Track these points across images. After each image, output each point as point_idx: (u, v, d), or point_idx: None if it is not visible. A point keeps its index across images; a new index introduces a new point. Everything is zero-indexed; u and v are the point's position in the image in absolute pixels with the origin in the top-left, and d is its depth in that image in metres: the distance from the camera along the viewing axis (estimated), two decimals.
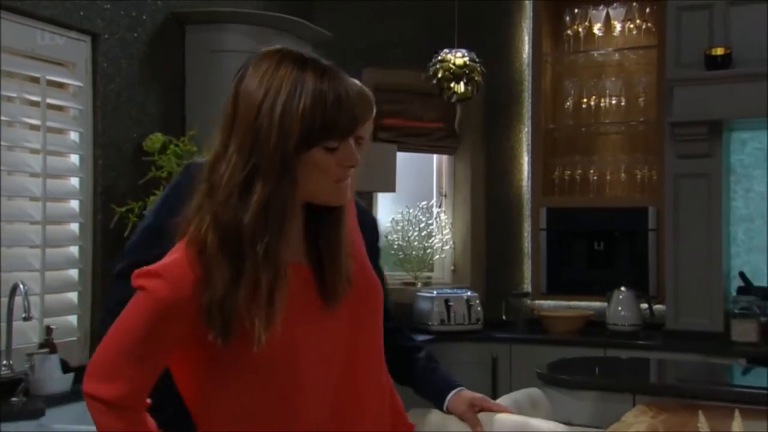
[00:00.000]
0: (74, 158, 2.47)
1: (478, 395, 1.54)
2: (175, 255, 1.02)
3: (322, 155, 1.03)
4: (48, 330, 2.22)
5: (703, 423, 1.41)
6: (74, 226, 2.47)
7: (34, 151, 2.31)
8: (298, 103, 1.00)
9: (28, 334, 2.27)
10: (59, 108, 2.43)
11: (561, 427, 2.00)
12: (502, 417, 1.56)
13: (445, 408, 1.53)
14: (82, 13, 2.43)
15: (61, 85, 2.42)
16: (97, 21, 2.49)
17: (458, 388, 1.54)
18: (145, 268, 1.02)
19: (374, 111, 1.08)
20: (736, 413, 1.39)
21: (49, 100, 2.34)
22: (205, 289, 0.98)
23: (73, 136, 2.46)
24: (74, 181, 2.47)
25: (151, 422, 1.04)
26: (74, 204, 2.47)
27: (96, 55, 2.48)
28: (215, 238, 0.99)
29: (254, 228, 0.99)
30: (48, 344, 2.19)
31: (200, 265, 0.99)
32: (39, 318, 2.28)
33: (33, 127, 2.31)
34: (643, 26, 3.85)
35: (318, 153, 1.03)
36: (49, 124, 2.34)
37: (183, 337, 1.01)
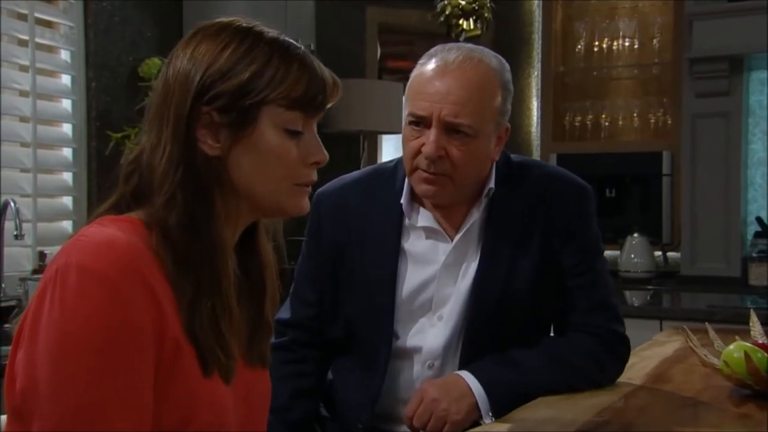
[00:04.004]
0: (65, 79, 2.32)
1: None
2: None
3: (279, 136, 0.78)
4: (41, 255, 2.10)
5: (714, 337, 1.32)
6: (67, 152, 2.32)
7: (22, 68, 2.16)
8: (249, 62, 0.77)
9: (21, 260, 2.14)
10: (48, 24, 2.27)
11: None
12: None
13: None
14: None
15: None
16: None
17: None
18: None
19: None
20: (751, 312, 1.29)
21: (37, 14, 2.18)
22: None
23: (64, 55, 2.31)
24: (66, 104, 2.32)
25: None
26: (67, 128, 2.33)
27: None
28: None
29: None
30: (41, 270, 2.06)
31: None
32: (32, 245, 2.16)
33: (21, 42, 2.16)
34: None
35: (273, 130, 0.77)
36: (37, 40, 2.19)
37: None
